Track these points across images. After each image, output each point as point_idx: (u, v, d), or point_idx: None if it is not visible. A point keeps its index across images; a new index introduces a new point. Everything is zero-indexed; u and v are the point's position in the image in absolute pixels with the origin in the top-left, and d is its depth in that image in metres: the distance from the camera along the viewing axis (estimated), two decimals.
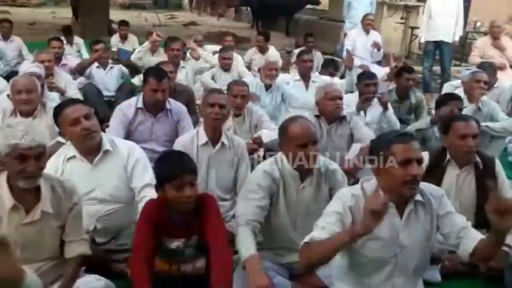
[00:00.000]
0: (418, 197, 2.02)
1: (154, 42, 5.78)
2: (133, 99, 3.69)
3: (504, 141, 4.40)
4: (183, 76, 5.42)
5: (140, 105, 3.56)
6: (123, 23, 8.40)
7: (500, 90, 4.88)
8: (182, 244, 2.31)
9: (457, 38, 6.95)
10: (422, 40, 7.05)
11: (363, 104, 4.33)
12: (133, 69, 5.93)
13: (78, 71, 5.48)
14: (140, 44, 7.92)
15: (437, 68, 7.44)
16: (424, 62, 7.27)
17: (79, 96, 4.96)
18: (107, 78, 5.63)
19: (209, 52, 6.78)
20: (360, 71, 5.69)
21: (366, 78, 4.51)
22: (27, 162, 1.97)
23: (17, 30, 7.74)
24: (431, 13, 6.94)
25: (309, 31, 8.01)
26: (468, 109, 4.18)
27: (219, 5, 19.91)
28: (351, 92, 4.91)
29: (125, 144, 2.75)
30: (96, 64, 5.61)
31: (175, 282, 2.30)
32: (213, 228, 2.25)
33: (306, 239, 1.95)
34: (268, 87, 4.71)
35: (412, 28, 9.90)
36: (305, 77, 5.19)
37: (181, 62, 5.58)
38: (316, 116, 3.68)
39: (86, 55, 7.04)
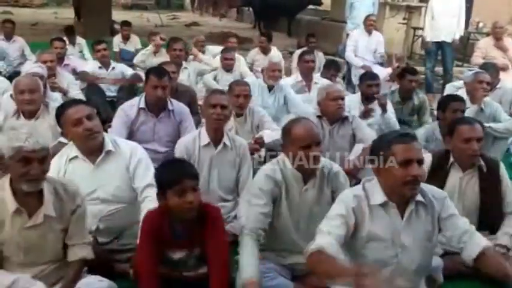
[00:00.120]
0: (419, 198, 2.02)
1: (158, 46, 5.80)
2: (135, 100, 3.69)
3: (507, 142, 4.39)
4: (185, 77, 5.42)
5: (142, 105, 3.56)
6: (125, 24, 8.41)
7: (503, 91, 4.86)
8: (185, 255, 2.32)
9: (457, 37, 6.92)
10: (428, 38, 7.00)
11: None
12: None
13: (81, 79, 5.47)
14: (142, 44, 7.97)
15: (439, 69, 7.42)
16: (426, 63, 7.25)
17: (81, 96, 4.97)
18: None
19: (211, 53, 6.79)
20: (362, 71, 5.70)
21: (368, 79, 4.50)
22: (30, 165, 1.97)
23: (20, 30, 7.76)
24: (433, 14, 6.93)
25: (311, 32, 8.00)
26: (471, 110, 4.17)
27: (221, 6, 19.93)
28: None
29: (127, 145, 2.75)
30: (98, 64, 5.61)
31: (177, 284, 2.31)
32: (215, 243, 2.26)
33: (314, 246, 1.91)
34: (271, 89, 4.69)
35: (415, 28, 9.90)
36: (307, 78, 5.17)
37: (184, 62, 5.58)
38: (318, 117, 3.68)
39: (88, 55, 7.06)
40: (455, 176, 2.80)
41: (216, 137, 3.03)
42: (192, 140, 3.05)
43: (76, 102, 2.70)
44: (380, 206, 2.01)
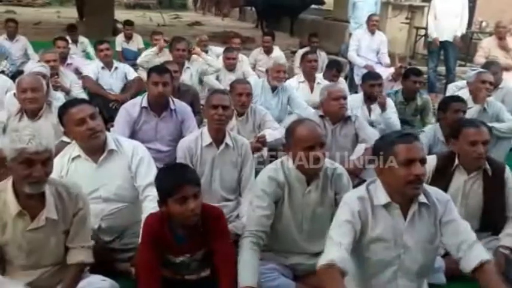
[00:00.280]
0: (423, 199, 2.01)
1: (162, 48, 5.80)
2: (138, 99, 3.70)
3: (510, 142, 4.36)
4: (187, 76, 5.41)
5: (145, 104, 3.56)
6: (128, 23, 8.42)
7: (506, 91, 4.84)
8: (187, 259, 2.32)
9: (458, 34, 6.88)
10: (434, 35, 6.94)
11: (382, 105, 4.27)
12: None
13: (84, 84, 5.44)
14: (145, 43, 7.98)
15: (442, 69, 7.41)
16: (429, 63, 7.24)
17: (84, 95, 4.99)
18: (112, 80, 5.63)
19: (214, 53, 6.79)
20: (364, 71, 5.69)
21: (370, 79, 4.50)
22: (33, 167, 1.96)
23: (22, 29, 7.79)
24: (436, 13, 6.91)
25: (314, 31, 8.00)
26: (473, 110, 4.16)
27: (223, 5, 19.92)
28: None
29: (129, 143, 2.75)
30: (101, 65, 5.62)
31: (179, 286, 2.32)
32: (221, 246, 2.27)
33: (326, 261, 1.87)
34: (274, 89, 4.68)
35: (417, 28, 9.88)
36: (310, 78, 5.16)
37: (186, 62, 5.57)
38: (321, 116, 3.68)
39: (92, 53, 7.05)
40: (459, 179, 2.77)
41: (218, 137, 3.03)
42: (194, 140, 3.05)
43: (79, 101, 2.70)
44: (383, 207, 2.00)
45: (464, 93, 4.38)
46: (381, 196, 2.00)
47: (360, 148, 3.65)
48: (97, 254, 2.30)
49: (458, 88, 5.00)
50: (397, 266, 2.02)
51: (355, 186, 2.57)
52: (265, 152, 3.63)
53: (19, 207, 2.03)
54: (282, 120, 4.45)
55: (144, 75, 4.79)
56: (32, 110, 3.43)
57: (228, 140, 3.04)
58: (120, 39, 8.15)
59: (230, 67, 6.01)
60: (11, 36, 6.96)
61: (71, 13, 15.02)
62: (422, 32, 9.26)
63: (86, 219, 2.21)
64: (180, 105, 3.69)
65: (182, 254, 2.30)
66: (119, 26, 10.47)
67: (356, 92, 5.47)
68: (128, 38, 8.12)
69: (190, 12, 21.50)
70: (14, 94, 3.56)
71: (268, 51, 7.01)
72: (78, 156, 2.62)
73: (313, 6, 13.50)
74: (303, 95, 4.90)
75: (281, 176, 2.39)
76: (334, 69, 5.61)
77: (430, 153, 3.35)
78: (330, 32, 10.40)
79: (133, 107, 3.59)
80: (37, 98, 3.40)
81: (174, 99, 3.70)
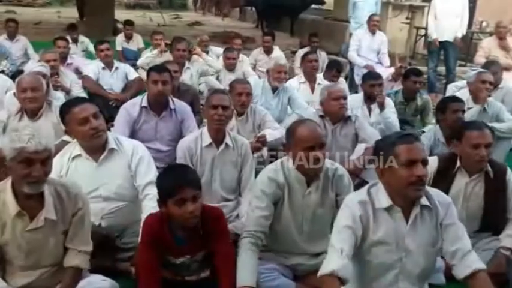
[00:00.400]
0: (425, 201, 2.00)
1: (163, 50, 5.81)
2: (138, 98, 3.71)
3: (510, 142, 4.36)
4: (187, 77, 5.41)
5: (145, 103, 3.57)
6: (128, 23, 8.42)
7: (506, 91, 4.84)
8: (188, 260, 2.32)
9: (459, 35, 6.89)
10: (434, 36, 6.95)
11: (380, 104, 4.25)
12: None
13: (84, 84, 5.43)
14: (145, 43, 7.98)
15: (442, 68, 7.41)
16: (429, 63, 7.23)
17: (84, 95, 4.98)
18: (113, 80, 5.63)
19: (214, 53, 6.79)
20: (364, 71, 5.69)
21: (370, 79, 4.49)
22: (32, 167, 1.95)
23: (23, 29, 7.79)
24: (437, 14, 6.90)
25: (314, 31, 8.00)
26: (473, 110, 4.16)
27: (223, 5, 19.92)
28: None
29: (129, 143, 2.75)
30: (101, 65, 5.62)
31: (178, 286, 2.32)
32: (221, 247, 2.28)
33: (327, 269, 1.88)
34: (274, 90, 4.67)
35: (417, 28, 9.87)
36: (311, 78, 5.15)
37: (187, 62, 5.57)
38: (321, 116, 3.68)
39: (93, 52, 7.03)
40: (461, 181, 2.76)
41: (218, 137, 3.03)
42: (194, 140, 3.04)
43: (81, 100, 2.70)
44: (384, 210, 1.99)
45: (464, 94, 4.38)
46: (383, 199, 1.99)
47: (360, 148, 3.66)
48: (97, 255, 2.30)
49: (458, 88, 5.00)
50: (398, 269, 2.02)
51: (355, 186, 2.58)
52: (265, 152, 3.63)
53: (18, 208, 2.03)
54: (282, 120, 4.45)
55: (144, 75, 4.79)
56: (32, 109, 3.43)
57: (228, 140, 3.04)
58: (120, 39, 8.15)
59: (230, 67, 6.01)
60: (11, 36, 6.97)
61: (71, 13, 15.02)
62: (423, 32, 9.26)
63: (85, 219, 2.19)
64: (180, 105, 3.69)
65: (182, 255, 2.30)
66: (119, 25, 10.47)
67: (356, 92, 5.47)
68: (128, 37, 8.13)
69: (191, 12, 21.50)
70: (14, 94, 3.57)
71: (268, 51, 7.01)
72: (79, 155, 2.62)
73: (313, 6, 13.49)
74: (303, 96, 4.89)
75: (281, 177, 2.39)
76: (334, 70, 5.61)
77: (430, 154, 3.34)
78: (330, 32, 10.39)
79: (133, 106, 3.59)
80: (37, 98, 3.40)
81: (174, 99, 3.70)
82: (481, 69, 4.64)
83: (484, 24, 9.61)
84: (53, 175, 2.22)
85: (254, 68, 6.75)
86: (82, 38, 7.62)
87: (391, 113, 4.32)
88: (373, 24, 6.68)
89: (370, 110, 4.44)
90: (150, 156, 2.76)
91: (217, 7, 20.75)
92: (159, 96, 3.53)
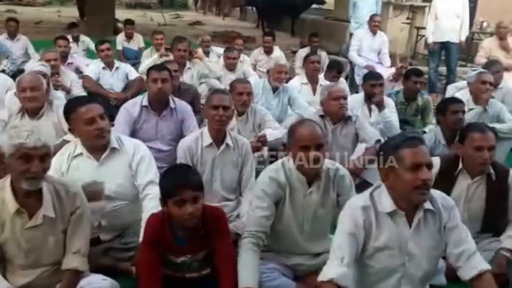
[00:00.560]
0: (428, 206, 1.98)
1: (162, 55, 5.81)
2: (138, 98, 3.71)
3: (511, 142, 4.36)
4: (188, 77, 5.40)
5: (145, 103, 3.57)
6: (129, 22, 8.42)
7: (506, 91, 4.84)
8: (189, 259, 2.32)
9: (463, 38, 6.91)
10: (430, 41, 7.00)
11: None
12: None
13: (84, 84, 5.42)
14: (145, 43, 7.98)
15: (443, 69, 7.40)
16: (430, 63, 7.23)
17: (84, 94, 4.98)
18: (113, 79, 5.63)
19: (216, 53, 6.79)
20: (365, 71, 5.68)
21: (371, 79, 4.49)
22: (31, 163, 1.96)
23: (23, 29, 7.79)
24: (437, 14, 6.90)
25: (314, 31, 7.99)
26: (474, 111, 4.16)
27: (224, 5, 19.93)
28: None
29: (131, 142, 2.76)
30: (102, 65, 5.61)
31: (179, 285, 2.32)
32: (222, 247, 2.28)
33: (326, 277, 1.89)
34: (275, 90, 4.67)
35: (418, 28, 9.87)
36: (313, 80, 5.14)
37: (188, 62, 5.56)
38: (321, 116, 3.68)
39: (94, 51, 7.04)
40: (463, 183, 2.76)
41: (219, 137, 3.02)
42: (195, 140, 3.04)
43: (88, 100, 2.69)
44: (388, 215, 1.98)
45: (465, 94, 4.38)
46: (386, 203, 1.98)
47: (361, 148, 3.66)
48: (98, 257, 2.30)
49: (458, 89, 5.00)
50: (401, 274, 2.01)
51: (356, 186, 2.57)
52: (265, 151, 3.63)
53: (17, 205, 2.03)
54: (282, 120, 4.45)
55: (145, 75, 4.79)
56: (32, 108, 3.42)
57: (228, 140, 3.03)
58: (120, 38, 8.15)
59: (231, 67, 6.01)
60: (12, 36, 6.96)
61: (71, 12, 15.04)
62: (423, 32, 9.24)
63: (84, 218, 2.19)
64: (180, 104, 3.69)
65: (183, 255, 2.30)
66: (120, 25, 10.46)
67: (357, 92, 5.46)
68: (129, 37, 8.12)
69: (191, 12, 21.52)
70: (15, 93, 3.57)
71: (268, 51, 7.01)
72: (80, 154, 2.63)
73: (314, 6, 13.50)
74: (305, 97, 4.88)
75: (282, 177, 2.38)
76: (334, 70, 5.61)
77: (431, 155, 3.33)
78: (331, 31, 10.39)
79: (133, 106, 3.59)
80: (37, 97, 3.40)
81: (175, 98, 3.70)
82: (482, 70, 4.64)
83: (485, 24, 9.60)
84: (52, 173, 2.23)
85: (254, 68, 6.75)
86: (83, 38, 7.62)
87: (392, 113, 4.32)
88: (375, 25, 6.68)
89: (370, 110, 4.44)
90: (151, 155, 2.76)
91: (217, 7, 20.76)
92: (159, 94, 3.53)
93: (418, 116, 4.80)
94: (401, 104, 4.68)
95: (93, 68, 5.63)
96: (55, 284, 2.16)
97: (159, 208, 2.37)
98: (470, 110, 4.13)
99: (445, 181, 2.72)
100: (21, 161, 1.96)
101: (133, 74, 5.74)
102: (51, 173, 2.18)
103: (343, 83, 5.50)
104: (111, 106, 4.98)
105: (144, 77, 5.17)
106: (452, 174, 2.77)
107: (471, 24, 8.07)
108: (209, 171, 3.01)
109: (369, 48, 6.67)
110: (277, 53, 7.04)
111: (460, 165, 2.76)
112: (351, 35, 7.45)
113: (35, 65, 4.23)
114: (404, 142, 1.95)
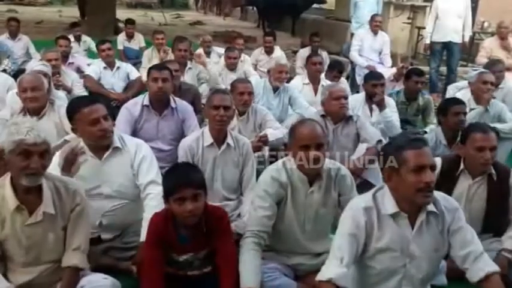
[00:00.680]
0: (431, 208, 1.98)
1: (163, 59, 5.81)
2: (139, 98, 3.72)
3: None
4: (189, 77, 5.40)
5: (146, 102, 3.57)
6: (130, 22, 8.42)
7: (507, 91, 4.84)
8: (191, 257, 2.33)
9: (466, 39, 6.90)
10: (428, 41, 7.00)
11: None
12: None
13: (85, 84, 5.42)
14: (146, 42, 7.99)
15: (444, 68, 7.39)
16: (431, 63, 7.22)
17: (85, 94, 4.98)
18: (114, 79, 5.63)
19: (217, 53, 6.79)
20: (366, 71, 5.68)
21: (373, 79, 4.49)
22: (31, 159, 1.97)
23: (24, 28, 7.80)
24: (439, 14, 6.89)
25: (315, 31, 7.99)
26: (475, 111, 4.15)
27: (225, 5, 19.93)
28: None
29: (133, 142, 2.77)
30: (103, 65, 5.62)
31: (181, 282, 2.32)
32: (223, 248, 2.29)
33: (325, 277, 1.90)
34: (275, 90, 4.67)
35: (419, 28, 9.86)
36: (314, 80, 5.14)
37: (189, 62, 5.56)
38: (322, 116, 3.68)
39: (95, 51, 7.05)
40: (464, 183, 2.75)
41: (219, 137, 3.03)
42: (196, 140, 3.04)
43: (92, 101, 2.69)
44: (390, 216, 1.97)
45: (465, 94, 4.37)
46: (389, 205, 1.97)
47: (362, 148, 3.66)
48: (98, 257, 2.29)
49: (458, 89, 4.99)
50: (402, 275, 2.01)
51: (357, 186, 2.57)
52: (266, 151, 3.63)
53: (17, 202, 2.04)
54: (283, 120, 4.45)
55: (146, 75, 4.79)
56: (34, 108, 3.43)
57: (229, 140, 3.03)
58: (121, 37, 8.15)
59: (231, 66, 6.01)
60: (13, 35, 6.96)
61: (72, 12, 15.04)
62: (424, 32, 9.24)
63: (83, 215, 2.19)
64: (181, 104, 3.69)
65: (185, 253, 2.31)
66: (121, 25, 10.47)
67: (358, 92, 5.47)
68: (130, 36, 8.12)
69: (192, 12, 21.52)
70: (17, 93, 3.57)
71: (269, 51, 7.01)
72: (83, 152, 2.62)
73: (314, 5, 13.48)
74: (306, 97, 4.87)
75: (284, 177, 2.38)
76: (335, 70, 5.61)
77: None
78: (332, 31, 10.39)
79: (134, 105, 3.59)
80: (37, 97, 3.40)
81: (175, 98, 3.70)
82: (483, 70, 4.64)
83: (486, 24, 9.60)
84: (54, 171, 2.23)
85: (255, 68, 6.75)
86: (84, 38, 7.62)
87: (392, 113, 4.32)
88: (376, 25, 6.68)
89: (371, 110, 4.44)
90: (153, 155, 2.77)
91: (218, 6, 20.77)
92: (159, 93, 3.53)
93: (419, 115, 4.80)
94: (402, 104, 4.68)
95: (94, 67, 5.63)
96: (56, 282, 2.16)
97: (160, 208, 2.38)
98: (472, 109, 4.13)
99: (446, 181, 2.72)
100: (21, 157, 1.97)
101: (134, 74, 5.74)
102: (53, 171, 2.19)
103: (344, 83, 5.50)
104: (112, 106, 4.98)
105: (145, 75, 5.20)
106: (454, 174, 2.77)
107: (472, 24, 8.05)
108: (210, 171, 3.01)
109: (370, 48, 6.67)
110: (278, 52, 7.04)
111: (462, 166, 2.76)
112: (352, 34, 7.45)
113: (36, 64, 4.23)
114: (408, 144, 1.93)
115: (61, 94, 4.38)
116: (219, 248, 2.29)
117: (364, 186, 3.21)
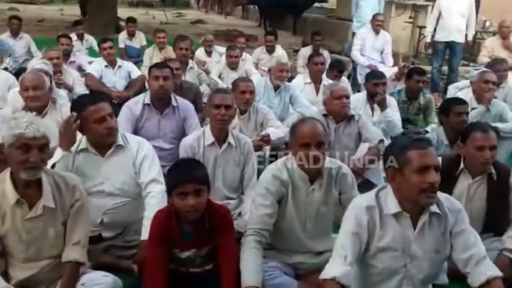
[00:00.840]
0: (434, 209, 1.97)
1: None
2: (140, 96, 3.72)
3: None
4: (191, 76, 5.40)
5: (147, 101, 3.58)
6: (131, 20, 8.42)
7: (508, 90, 4.83)
8: (193, 254, 2.33)
9: (470, 38, 6.89)
10: (429, 39, 6.98)
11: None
12: None
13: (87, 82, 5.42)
14: (148, 41, 7.99)
15: (446, 68, 7.38)
16: (433, 62, 7.21)
17: (87, 93, 4.98)
18: (116, 78, 5.63)
19: (218, 52, 6.78)
20: (367, 70, 5.68)
21: (374, 78, 4.49)
22: (30, 152, 1.98)
23: (26, 27, 7.80)
24: (442, 13, 6.88)
25: (317, 30, 7.99)
26: (477, 110, 4.15)
27: (226, 3, 19.92)
28: None
29: (135, 140, 2.77)
30: (104, 63, 5.62)
31: (183, 279, 2.32)
32: (225, 245, 2.29)
33: (329, 275, 1.90)
34: (276, 89, 4.67)
35: (421, 27, 9.84)
36: (316, 79, 5.13)
37: (190, 61, 5.56)
38: (324, 115, 3.68)
39: (97, 50, 7.05)
40: (464, 182, 2.75)
41: (221, 136, 3.03)
42: (197, 139, 3.04)
43: (98, 98, 2.69)
44: (392, 216, 1.97)
45: (467, 94, 4.37)
46: (391, 204, 1.97)
47: (363, 148, 3.66)
48: (99, 255, 2.29)
49: (459, 89, 4.98)
50: (402, 275, 2.01)
51: (358, 186, 2.57)
52: (267, 151, 3.63)
53: (17, 196, 2.05)
54: (284, 119, 4.45)
55: (147, 74, 4.79)
56: (36, 107, 3.42)
57: (230, 139, 3.03)
58: (122, 36, 8.16)
59: (233, 65, 6.01)
60: (15, 34, 6.97)
61: (73, 10, 15.06)
62: (424, 31, 9.23)
63: (83, 211, 2.19)
64: (182, 103, 3.69)
65: (188, 249, 2.32)
66: (122, 23, 10.47)
67: (359, 91, 5.46)
68: (131, 35, 8.12)
69: (193, 10, 21.53)
70: (19, 91, 3.57)
71: (270, 50, 7.01)
72: (85, 149, 2.64)
73: (316, 4, 13.48)
74: (308, 97, 4.87)
75: (285, 175, 2.39)
76: (335, 70, 5.60)
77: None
78: (333, 30, 10.39)
79: (135, 104, 3.60)
80: (39, 96, 3.40)
81: (177, 97, 3.71)
82: (484, 69, 4.63)
83: (487, 23, 9.60)
84: (59, 168, 2.23)
85: (256, 66, 6.75)
86: (87, 36, 7.63)
87: (394, 112, 4.32)
88: (377, 24, 6.66)
89: (373, 109, 4.44)
90: (155, 153, 2.77)
91: (219, 5, 20.76)
92: (160, 92, 3.53)
93: (420, 115, 4.80)
94: (403, 103, 4.68)
95: (96, 66, 5.63)
96: (57, 279, 2.17)
97: (161, 206, 2.38)
98: (473, 109, 4.12)
99: (447, 180, 2.70)
100: (20, 151, 1.98)
101: (135, 73, 5.74)
102: (58, 168, 2.19)
103: (345, 82, 5.50)
104: (113, 105, 4.98)
105: (146, 73, 5.20)
106: (454, 173, 2.77)
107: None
108: (211, 170, 3.00)
109: (372, 48, 6.67)
110: (279, 51, 7.04)
111: (462, 165, 2.76)
112: (353, 34, 7.44)
113: (37, 63, 4.23)
114: (412, 144, 1.92)
115: (62, 93, 4.38)
116: (221, 246, 2.29)
117: (365, 185, 3.21)
